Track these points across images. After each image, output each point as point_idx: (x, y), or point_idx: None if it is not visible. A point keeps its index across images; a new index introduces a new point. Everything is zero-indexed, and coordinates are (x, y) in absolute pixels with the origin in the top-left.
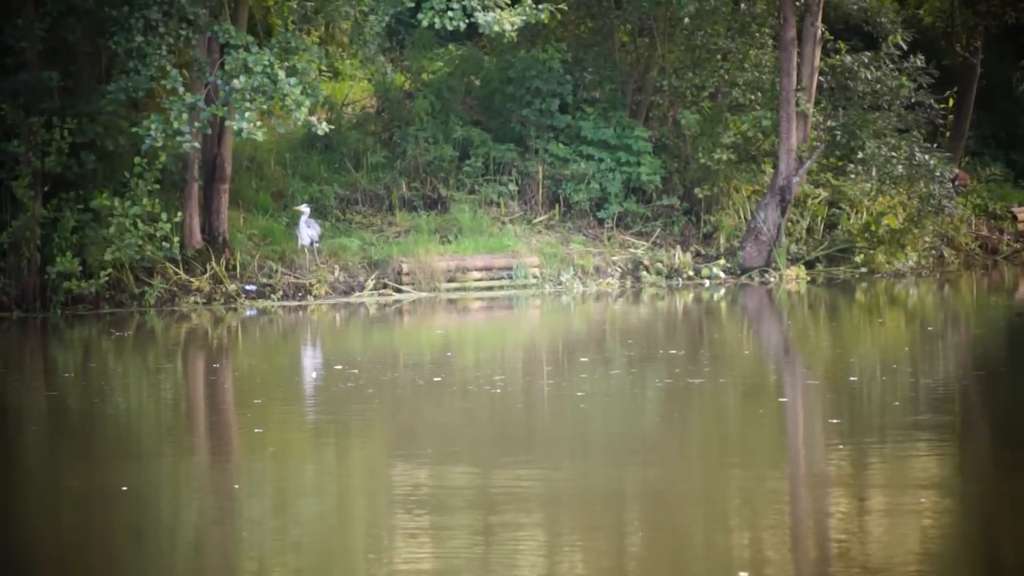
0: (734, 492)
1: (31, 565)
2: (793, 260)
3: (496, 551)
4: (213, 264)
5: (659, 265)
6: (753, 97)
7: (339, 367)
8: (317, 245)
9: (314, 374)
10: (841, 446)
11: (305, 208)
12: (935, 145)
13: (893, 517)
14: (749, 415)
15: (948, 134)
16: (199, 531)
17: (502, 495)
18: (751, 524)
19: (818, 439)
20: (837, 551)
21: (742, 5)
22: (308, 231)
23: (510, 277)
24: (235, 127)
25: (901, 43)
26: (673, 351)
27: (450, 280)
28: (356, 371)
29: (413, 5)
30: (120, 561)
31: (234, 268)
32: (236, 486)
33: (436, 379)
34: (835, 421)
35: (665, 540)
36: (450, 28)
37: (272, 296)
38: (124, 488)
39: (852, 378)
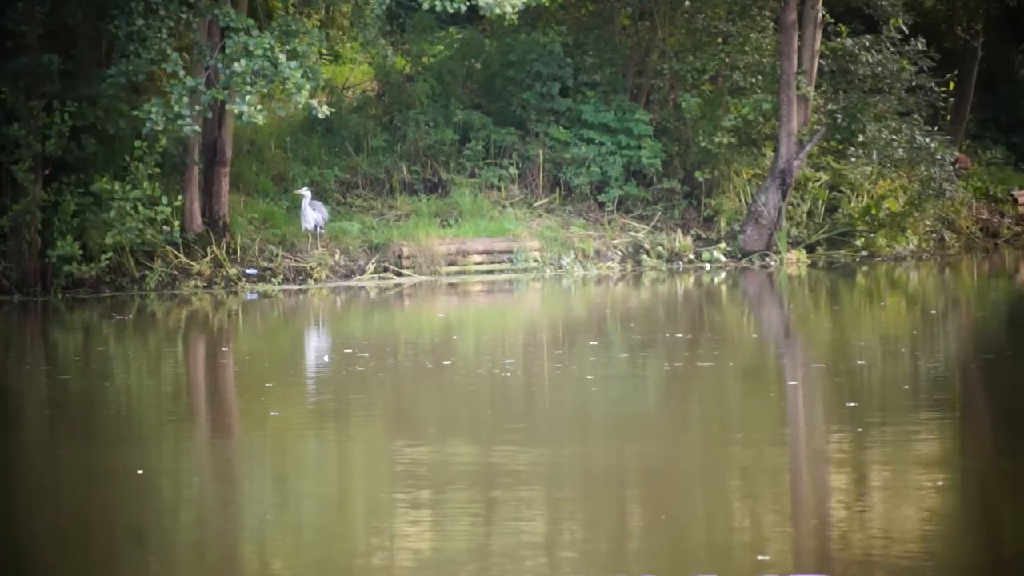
0: (758, 473)
1: (58, 549)
2: (794, 244)
3: (542, 526)
4: (214, 248)
5: (660, 249)
6: (754, 80)
7: (349, 351)
8: (322, 230)
9: (325, 358)
10: (860, 429)
11: (306, 191)
12: (936, 128)
13: (920, 499)
14: (762, 399)
15: (949, 117)
16: (233, 515)
17: (538, 473)
18: (774, 506)
19: (836, 422)
20: (872, 536)
21: None
22: (313, 214)
23: (511, 261)
24: (236, 111)
25: (902, 26)
26: (679, 335)
27: (450, 264)
28: (367, 354)
29: None
30: (146, 541)
31: (235, 252)
32: (263, 470)
33: (446, 363)
34: (852, 404)
35: (695, 521)
36: (451, 11)
37: (272, 280)
38: (140, 471)
39: (860, 362)
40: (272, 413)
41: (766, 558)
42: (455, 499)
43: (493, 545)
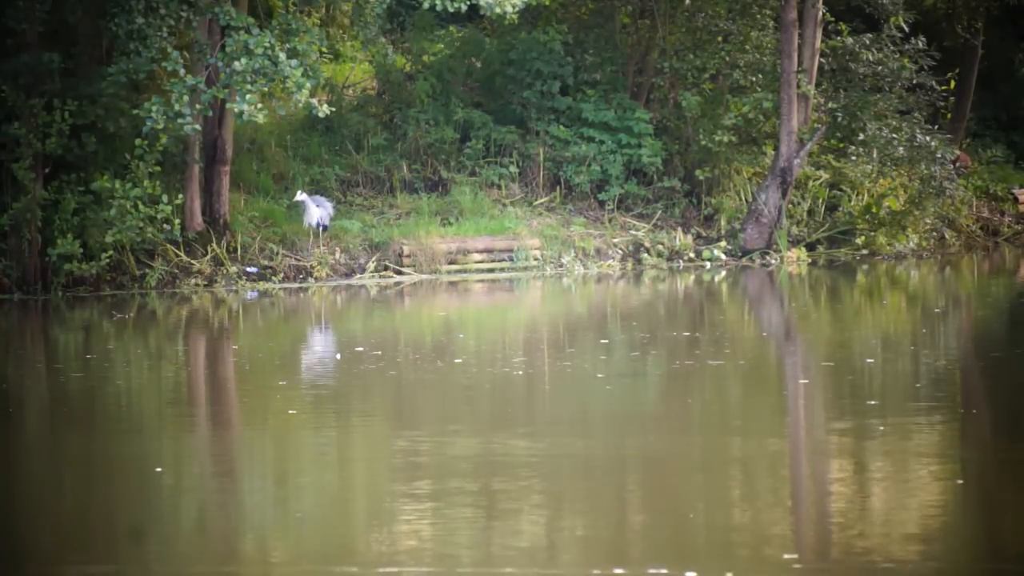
0: (774, 469)
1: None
2: (794, 242)
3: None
4: (214, 246)
5: (660, 247)
6: (754, 79)
7: (360, 349)
8: (325, 227)
9: (337, 356)
10: (881, 427)
11: (301, 196)
12: (936, 127)
13: (957, 494)
14: (776, 397)
15: (949, 116)
16: (271, 511)
17: (580, 466)
18: (805, 503)
19: (855, 421)
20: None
21: None
22: (319, 211)
23: (511, 259)
24: (236, 109)
25: (903, 24)
26: (685, 333)
27: (451, 262)
28: (378, 352)
29: None
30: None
31: (235, 250)
32: (291, 468)
33: (457, 361)
34: (872, 402)
35: (727, 519)
36: (451, 10)
37: (273, 278)
38: (158, 469)
39: (868, 360)
40: (290, 411)
41: (794, 556)
42: (497, 492)
43: (536, 536)
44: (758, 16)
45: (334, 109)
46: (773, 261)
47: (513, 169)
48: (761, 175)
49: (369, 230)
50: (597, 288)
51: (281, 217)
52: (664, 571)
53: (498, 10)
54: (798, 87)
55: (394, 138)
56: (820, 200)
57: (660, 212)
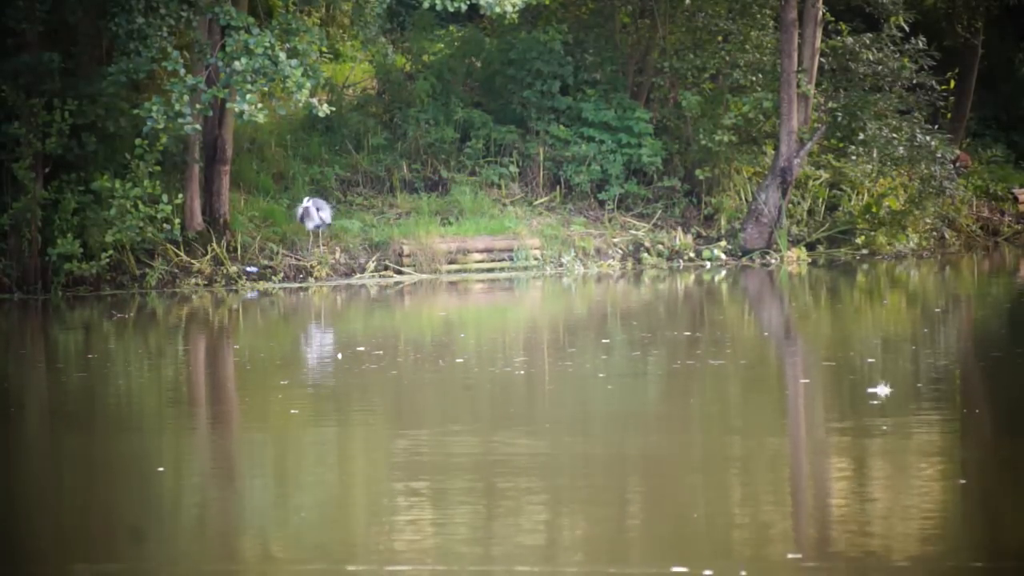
0: (776, 468)
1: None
2: (794, 242)
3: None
4: (214, 246)
5: (660, 247)
6: (754, 78)
7: (361, 349)
8: (323, 229)
9: (339, 356)
10: (884, 427)
11: (306, 201)
12: (936, 127)
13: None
14: (774, 396)
15: (949, 115)
16: (283, 511)
17: (593, 465)
18: (813, 502)
19: (856, 420)
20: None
21: None
22: (318, 213)
23: (511, 259)
24: (236, 109)
25: (903, 24)
26: (686, 333)
27: (451, 262)
28: (380, 352)
29: None
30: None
31: (235, 250)
32: (302, 468)
33: (458, 360)
34: (874, 402)
35: (739, 518)
36: (451, 9)
37: (273, 278)
38: (160, 469)
39: (869, 359)
40: (292, 411)
41: (797, 555)
42: (499, 491)
43: (566, 531)
44: (758, 16)
45: (334, 109)
46: (773, 261)
47: (513, 169)
48: (761, 175)
49: (369, 230)
50: (597, 288)
51: (281, 217)
52: (667, 570)
53: (498, 10)
54: (798, 87)
55: (394, 138)
56: (820, 200)
57: (660, 212)
